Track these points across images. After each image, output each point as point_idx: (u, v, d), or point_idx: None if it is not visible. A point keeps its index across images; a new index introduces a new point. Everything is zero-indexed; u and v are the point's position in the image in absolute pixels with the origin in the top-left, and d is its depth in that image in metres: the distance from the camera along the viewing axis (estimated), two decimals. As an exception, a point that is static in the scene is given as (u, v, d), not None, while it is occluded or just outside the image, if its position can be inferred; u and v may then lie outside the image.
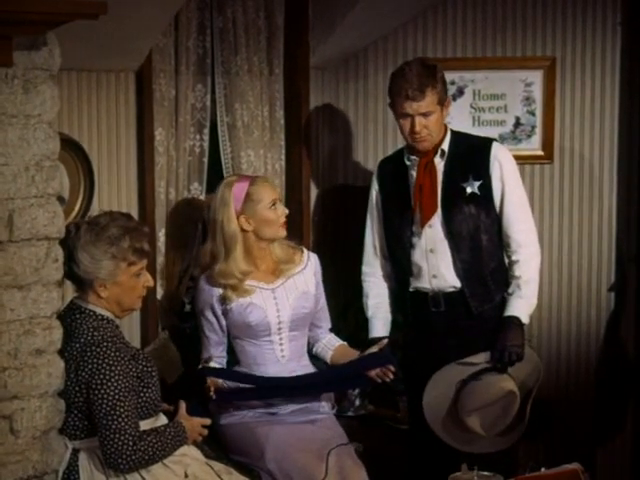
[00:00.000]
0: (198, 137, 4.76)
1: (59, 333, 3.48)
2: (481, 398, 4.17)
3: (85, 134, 4.37)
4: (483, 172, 4.28)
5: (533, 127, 5.23)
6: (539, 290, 4.38)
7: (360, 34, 5.14)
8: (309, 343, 4.41)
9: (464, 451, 4.25)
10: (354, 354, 4.33)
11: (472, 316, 4.30)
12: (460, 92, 5.20)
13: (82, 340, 3.54)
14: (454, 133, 4.36)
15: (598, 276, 5.31)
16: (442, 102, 4.25)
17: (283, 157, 5.09)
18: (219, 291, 4.21)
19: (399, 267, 4.40)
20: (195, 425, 3.74)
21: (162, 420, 3.70)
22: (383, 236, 4.45)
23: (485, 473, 3.77)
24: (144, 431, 3.54)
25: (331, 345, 4.40)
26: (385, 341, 4.25)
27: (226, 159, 4.91)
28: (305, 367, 4.32)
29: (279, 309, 4.24)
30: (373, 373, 4.17)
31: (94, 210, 4.34)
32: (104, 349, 3.50)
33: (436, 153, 4.29)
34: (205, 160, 4.80)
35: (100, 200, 4.41)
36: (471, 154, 4.31)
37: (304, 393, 4.19)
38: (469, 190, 4.26)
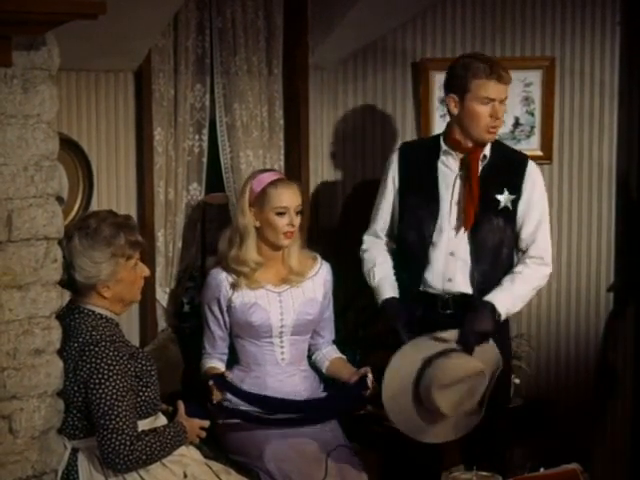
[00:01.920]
0: (197, 137, 4.76)
1: (58, 333, 3.48)
2: (451, 375, 3.95)
3: (84, 134, 4.37)
4: (517, 188, 4.20)
5: (532, 127, 5.23)
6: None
7: (359, 34, 5.14)
8: (309, 350, 4.40)
9: (420, 441, 4.07)
10: (350, 369, 4.31)
11: None
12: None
13: (81, 340, 3.55)
14: (495, 140, 4.27)
15: (597, 276, 5.31)
16: None
17: (282, 157, 5.09)
18: (230, 278, 4.20)
19: (414, 260, 4.25)
20: (194, 426, 3.74)
21: (161, 420, 3.70)
22: (389, 216, 4.33)
23: (484, 473, 3.76)
24: (143, 431, 3.54)
25: (329, 356, 4.39)
26: (365, 370, 4.13)
27: (225, 159, 4.90)
28: (304, 372, 4.33)
29: (283, 312, 4.24)
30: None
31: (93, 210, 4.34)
32: (102, 348, 3.50)
33: (478, 153, 4.19)
34: (204, 160, 4.80)
35: (99, 200, 4.41)
36: (508, 167, 4.23)
37: (306, 419, 4.15)
38: (503, 203, 4.19)
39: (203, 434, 3.78)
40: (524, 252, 4.26)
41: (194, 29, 4.69)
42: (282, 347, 4.26)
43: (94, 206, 4.34)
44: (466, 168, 4.18)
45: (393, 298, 4.26)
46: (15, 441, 3.40)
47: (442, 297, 4.23)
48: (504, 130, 5.22)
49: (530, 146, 5.22)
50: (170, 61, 4.59)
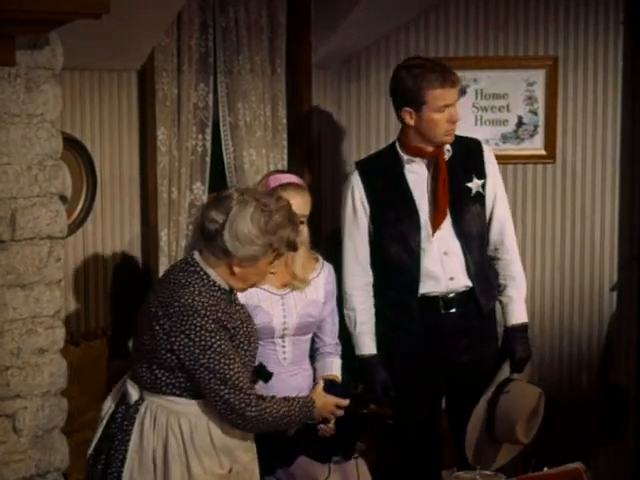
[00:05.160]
0: (200, 136, 4.76)
1: (61, 332, 3.48)
2: (525, 407, 4.18)
3: (88, 133, 4.38)
4: (481, 172, 4.25)
5: (535, 126, 5.23)
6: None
7: (362, 33, 5.15)
8: (310, 350, 4.38)
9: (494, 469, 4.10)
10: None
11: (481, 314, 4.28)
12: (462, 91, 5.18)
13: (182, 301, 3.30)
14: None
15: (600, 276, 5.31)
16: None
17: (285, 156, 5.09)
18: None
19: (404, 273, 4.26)
20: (328, 404, 3.58)
21: None
22: (367, 244, 4.29)
23: (487, 472, 3.76)
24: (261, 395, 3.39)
25: (321, 371, 4.25)
26: None
27: (228, 158, 4.90)
28: (306, 370, 4.31)
29: (285, 315, 4.22)
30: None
31: (96, 209, 4.34)
32: (200, 320, 3.28)
33: (442, 153, 4.21)
34: (207, 159, 4.80)
35: (102, 199, 4.41)
36: (468, 154, 4.26)
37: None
38: (475, 190, 4.22)
39: (339, 412, 3.60)
40: (503, 236, 4.31)
41: (197, 28, 4.69)
42: (284, 347, 4.25)
43: (97, 205, 4.35)
44: (434, 169, 4.18)
45: (372, 356, 4.32)
46: (19, 440, 3.40)
47: (445, 297, 4.24)
48: (507, 129, 5.24)
49: (533, 145, 5.23)
50: (173, 60, 4.59)
